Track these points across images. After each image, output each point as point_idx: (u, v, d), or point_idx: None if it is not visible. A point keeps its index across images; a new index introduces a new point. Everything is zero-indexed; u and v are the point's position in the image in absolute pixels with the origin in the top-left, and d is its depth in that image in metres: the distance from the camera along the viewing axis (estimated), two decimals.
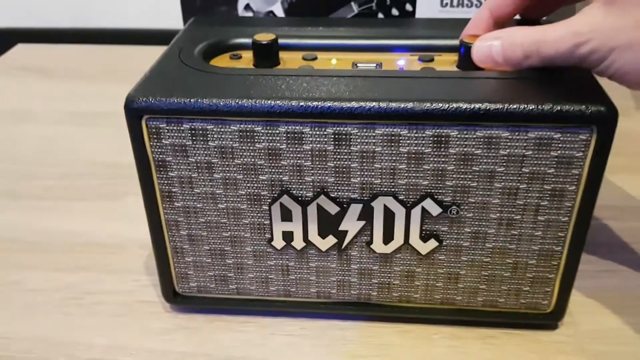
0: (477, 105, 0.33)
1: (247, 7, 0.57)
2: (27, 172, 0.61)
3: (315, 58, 0.42)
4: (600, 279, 0.46)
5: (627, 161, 0.59)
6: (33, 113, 0.73)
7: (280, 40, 0.42)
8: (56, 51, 0.90)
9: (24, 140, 0.67)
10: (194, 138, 0.36)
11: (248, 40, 0.42)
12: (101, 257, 0.50)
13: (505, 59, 0.36)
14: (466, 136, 0.34)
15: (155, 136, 0.36)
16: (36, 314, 0.44)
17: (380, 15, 0.58)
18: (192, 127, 0.35)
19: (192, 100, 0.35)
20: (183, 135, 0.36)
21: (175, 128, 0.36)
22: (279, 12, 0.58)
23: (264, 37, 0.40)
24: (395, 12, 0.57)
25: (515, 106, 0.33)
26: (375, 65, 0.41)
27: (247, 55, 0.42)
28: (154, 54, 0.41)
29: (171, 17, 0.74)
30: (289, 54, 0.42)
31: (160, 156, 0.37)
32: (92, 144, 0.66)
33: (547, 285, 0.40)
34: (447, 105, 0.33)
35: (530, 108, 0.33)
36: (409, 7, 0.57)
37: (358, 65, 0.41)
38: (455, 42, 0.41)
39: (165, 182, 0.38)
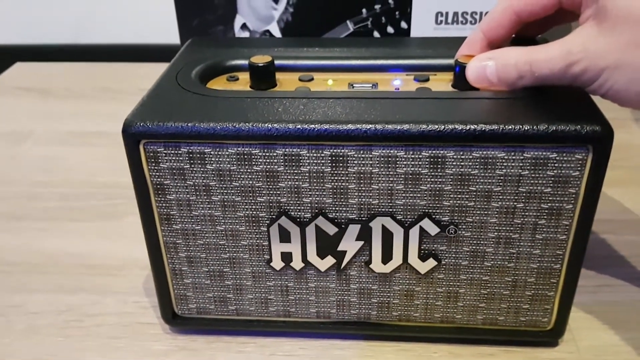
0: (472, 127, 0.34)
1: (244, 26, 0.58)
2: (27, 193, 0.61)
3: (312, 79, 0.42)
4: (598, 294, 0.46)
5: (624, 174, 0.59)
6: (32, 133, 0.73)
7: (277, 62, 0.42)
8: (55, 69, 0.91)
9: (24, 161, 0.67)
10: (192, 161, 0.36)
11: (244, 62, 0.43)
12: (101, 279, 0.50)
13: (499, 79, 0.36)
14: (462, 157, 0.34)
15: (153, 160, 0.36)
16: (37, 336, 0.44)
17: (376, 33, 0.58)
18: (190, 150, 0.36)
19: (189, 124, 0.35)
20: (181, 159, 0.36)
21: (173, 152, 0.36)
22: (275, 31, 0.58)
23: (260, 59, 0.40)
24: (390, 29, 0.58)
25: (511, 127, 0.33)
26: (371, 85, 0.41)
27: (244, 77, 0.42)
28: (153, 71, 0.42)
29: (169, 33, 0.75)
30: (286, 75, 0.42)
31: (159, 180, 0.37)
32: (91, 164, 0.66)
33: (546, 303, 0.40)
34: (443, 126, 0.34)
35: (526, 128, 0.33)
36: (404, 24, 0.58)
37: (354, 85, 0.41)
38: (451, 61, 0.41)
39: (164, 205, 0.38)
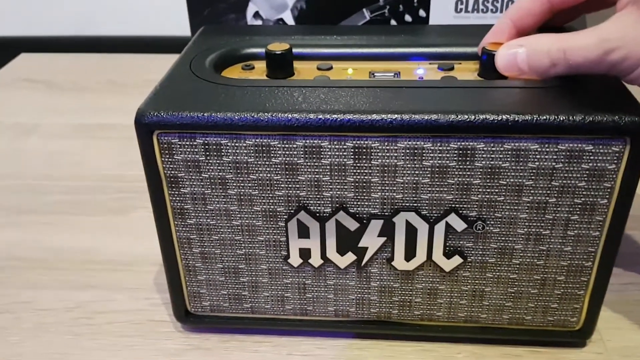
0: (505, 117, 0.32)
1: (257, 14, 0.56)
2: (34, 187, 0.60)
3: (331, 68, 0.40)
4: (627, 293, 0.44)
5: None
6: (39, 126, 0.71)
7: (294, 50, 0.40)
8: (60, 61, 0.89)
9: (30, 154, 0.66)
10: (208, 153, 0.34)
11: (260, 50, 0.41)
12: (111, 275, 0.48)
13: (530, 67, 0.34)
14: (493, 149, 0.33)
15: (167, 152, 0.34)
16: (47, 334, 0.43)
17: (393, 22, 0.56)
18: (206, 142, 0.34)
19: (205, 114, 0.33)
20: (196, 150, 0.34)
21: (187, 143, 0.34)
22: (289, 19, 0.56)
23: (278, 46, 0.38)
24: (408, 18, 0.56)
25: (545, 117, 0.32)
26: (393, 74, 0.39)
27: (260, 66, 0.41)
28: (160, 63, 0.40)
29: (178, 24, 0.73)
30: (303, 64, 0.41)
31: (172, 172, 0.35)
32: (99, 157, 0.64)
33: (576, 302, 0.38)
34: (473, 116, 0.32)
35: (561, 119, 0.32)
36: (422, 13, 0.56)
37: (375, 74, 0.40)
38: (476, 49, 0.40)
39: (178, 198, 0.36)
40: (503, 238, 0.36)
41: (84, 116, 0.73)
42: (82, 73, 0.85)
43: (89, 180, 0.61)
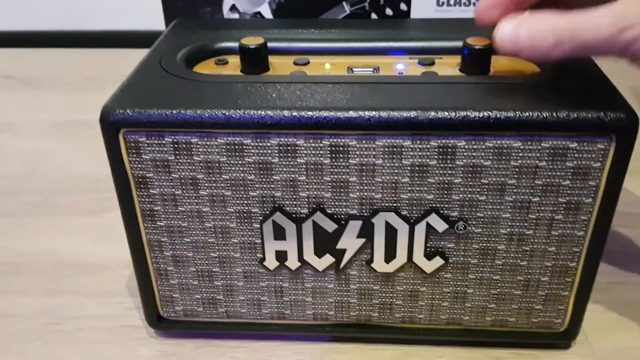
0: (486, 114, 0.31)
1: (233, 8, 0.54)
2: (8, 188, 0.58)
3: (308, 62, 0.39)
4: (613, 292, 0.43)
5: None
6: (14, 125, 0.69)
7: (270, 44, 0.39)
8: (35, 56, 0.87)
9: (4, 154, 0.64)
10: (177, 152, 0.33)
11: (235, 44, 0.39)
12: (84, 279, 0.46)
13: (532, 45, 0.31)
14: (475, 147, 0.31)
15: (134, 151, 0.33)
16: (17, 341, 0.41)
17: (374, 16, 0.55)
18: (175, 140, 0.32)
19: (174, 111, 0.32)
20: (165, 149, 0.33)
21: (156, 142, 0.33)
22: (267, 13, 0.55)
23: (252, 40, 0.37)
24: (389, 11, 0.55)
25: (528, 114, 0.31)
26: (372, 69, 0.38)
27: (234, 60, 0.39)
28: (140, 58, 0.38)
29: (153, 18, 0.71)
30: (279, 59, 0.39)
31: (141, 172, 0.34)
32: (75, 157, 0.62)
33: (560, 303, 0.37)
34: (454, 113, 0.31)
35: (545, 116, 0.31)
36: (403, 6, 0.54)
37: (354, 69, 0.38)
38: (458, 43, 0.38)
39: (147, 200, 0.35)
40: (485, 238, 0.35)
41: (60, 114, 0.71)
42: (59, 68, 0.83)
43: (64, 180, 0.59)
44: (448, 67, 0.38)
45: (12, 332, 0.42)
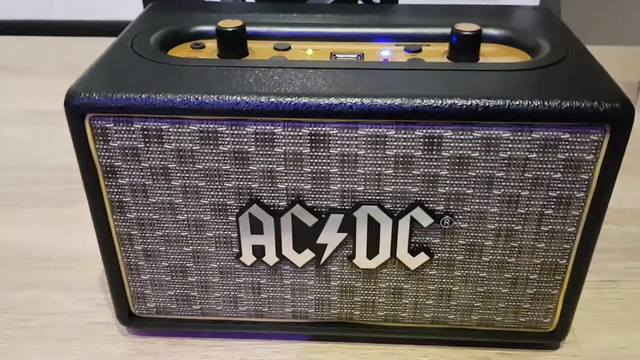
0: (475, 102, 0.29)
1: None
2: None
3: (289, 48, 0.37)
4: (603, 290, 0.42)
5: (629, 161, 0.55)
6: None
7: (249, 28, 0.37)
8: (13, 44, 0.84)
9: None
10: (147, 140, 0.31)
11: (212, 28, 0.38)
12: (52, 273, 0.44)
13: None
14: (462, 137, 0.30)
15: (101, 138, 0.31)
16: None
17: (360, 1, 0.53)
18: (145, 127, 0.30)
19: (143, 95, 0.30)
20: (134, 136, 0.31)
21: (124, 128, 0.31)
22: None
23: (230, 23, 0.35)
24: None
25: (518, 102, 0.29)
26: (356, 56, 0.36)
27: (211, 45, 0.37)
28: None
29: (134, 8, 0.68)
30: (259, 44, 0.37)
31: (108, 161, 0.32)
32: (49, 146, 0.60)
33: (549, 302, 0.35)
34: (440, 101, 0.29)
35: (536, 104, 0.29)
36: None
37: (337, 56, 0.36)
38: (445, 30, 0.37)
39: (115, 190, 0.33)
40: (472, 234, 0.33)
41: (36, 101, 0.69)
42: (35, 56, 0.80)
43: (36, 170, 0.57)
44: (435, 54, 0.36)
45: None
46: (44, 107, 0.67)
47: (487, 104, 0.29)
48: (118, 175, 0.32)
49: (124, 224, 0.34)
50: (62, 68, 0.77)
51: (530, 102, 0.29)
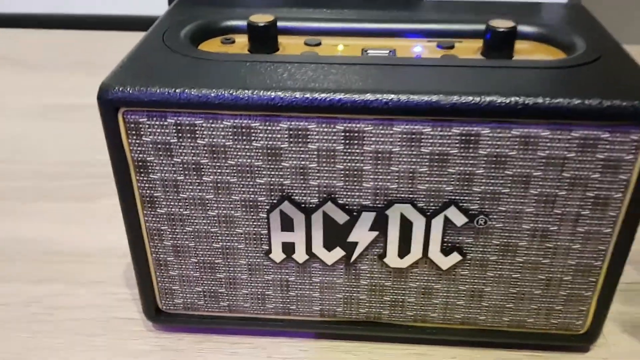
0: (514, 99, 0.28)
1: None
2: None
3: (319, 43, 0.37)
4: (635, 293, 0.42)
5: None
6: (4, 106, 0.67)
7: (279, 23, 0.36)
8: (30, 37, 0.84)
9: None
10: (180, 135, 0.31)
11: (242, 23, 0.37)
12: (75, 267, 0.44)
13: None
14: (499, 135, 0.29)
15: (134, 132, 0.31)
16: (2, 331, 0.39)
17: None
18: (178, 122, 0.30)
19: (177, 90, 0.29)
20: (167, 131, 0.30)
21: (157, 123, 0.30)
22: None
23: (261, 18, 0.35)
24: None
25: (558, 100, 0.28)
26: (388, 52, 0.36)
27: (241, 40, 0.37)
28: (137, 40, 0.36)
29: (155, 3, 0.68)
30: (289, 39, 0.37)
31: (141, 156, 0.31)
32: (66, 140, 0.60)
33: (582, 304, 0.35)
34: (479, 98, 0.29)
35: (576, 103, 0.28)
36: None
37: (368, 52, 0.36)
38: (479, 26, 0.36)
39: (147, 185, 0.32)
40: (506, 234, 0.32)
41: (54, 96, 0.69)
42: (53, 49, 0.80)
43: (55, 164, 0.56)
44: (469, 50, 0.36)
45: None
46: (60, 102, 0.67)
47: (526, 102, 0.28)
48: (150, 170, 0.32)
49: (154, 219, 0.33)
50: (78, 62, 0.77)
51: (569, 100, 0.28)
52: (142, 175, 0.32)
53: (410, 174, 0.31)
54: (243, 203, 0.33)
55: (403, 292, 0.35)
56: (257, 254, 0.35)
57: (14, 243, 0.47)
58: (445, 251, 0.33)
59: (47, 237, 0.47)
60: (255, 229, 0.34)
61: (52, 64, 0.77)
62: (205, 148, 0.31)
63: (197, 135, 0.30)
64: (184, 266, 0.35)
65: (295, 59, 0.33)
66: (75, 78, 0.73)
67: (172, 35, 0.35)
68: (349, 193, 0.32)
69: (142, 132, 0.31)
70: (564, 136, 0.29)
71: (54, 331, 0.39)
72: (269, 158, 0.31)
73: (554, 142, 0.29)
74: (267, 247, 0.34)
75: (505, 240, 0.33)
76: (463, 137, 0.30)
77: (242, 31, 0.37)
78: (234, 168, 0.31)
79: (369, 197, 0.32)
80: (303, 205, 0.32)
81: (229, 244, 0.34)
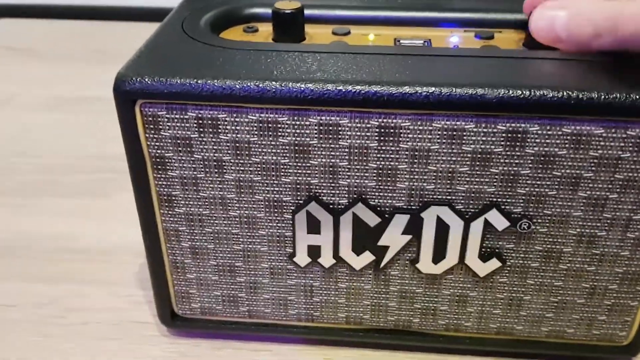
0: (567, 93, 0.26)
1: None
2: (4, 165, 0.54)
3: (349, 32, 0.34)
4: None
5: None
6: (14, 98, 0.65)
7: (306, 11, 0.34)
8: (42, 28, 0.82)
9: (2, 128, 0.59)
10: (202, 129, 0.28)
11: (266, 10, 0.35)
12: (88, 266, 0.42)
13: (569, 35, 0.28)
14: (549, 132, 0.27)
15: (152, 126, 0.28)
16: (11, 334, 0.37)
17: None
18: (199, 115, 0.28)
19: (199, 81, 0.27)
20: (187, 125, 0.28)
21: (177, 117, 0.28)
22: None
23: (287, 5, 0.32)
24: None
25: (615, 95, 0.26)
26: (422, 42, 0.33)
27: (265, 28, 0.34)
28: (153, 31, 0.34)
29: None
30: (316, 28, 0.35)
31: (159, 151, 0.29)
32: (79, 133, 0.58)
33: (627, 314, 0.33)
34: (528, 92, 0.26)
35: (635, 98, 0.26)
36: None
37: (401, 42, 0.34)
38: (520, 16, 0.34)
39: (164, 183, 0.30)
40: (551, 239, 0.30)
41: (66, 87, 0.67)
42: (67, 40, 0.78)
43: (67, 158, 0.55)
44: (510, 41, 0.33)
45: (7, 323, 0.38)
46: (73, 94, 0.66)
47: (580, 96, 0.26)
48: (168, 167, 0.30)
49: (171, 219, 0.31)
50: (91, 53, 0.75)
51: (627, 96, 0.26)
52: (160, 172, 0.30)
53: (450, 174, 0.29)
54: (267, 203, 0.30)
55: (435, 299, 0.33)
56: (281, 257, 0.32)
57: (24, 239, 0.45)
58: (484, 257, 0.31)
59: (57, 233, 0.45)
60: (279, 231, 0.31)
61: (64, 55, 0.75)
62: (228, 144, 0.29)
63: (219, 130, 0.28)
64: (202, 269, 0.33)
65: (324, 48, 0.31)
66: (89, 69, 0.71)
67: (192, 23, 0.33)
68: (381, 194, 0.30)
69: (160, 126, 0.28)
70: (619, 135, 0.27)
71: (66, 335, 0.37)
72: (296, 155, 0.29)
73: (607, 140, 0.27)
74: (292, 250, 0.32)
75: (549, 246, 0.30)
76: (509, 135, 0.27)
77: (265, 19, 0.35)
78: (258, 166, 0.29)
79: (403, 199, 0.30)
80: (331, 206, 0.30)
81: (250, 246, 0.32)
